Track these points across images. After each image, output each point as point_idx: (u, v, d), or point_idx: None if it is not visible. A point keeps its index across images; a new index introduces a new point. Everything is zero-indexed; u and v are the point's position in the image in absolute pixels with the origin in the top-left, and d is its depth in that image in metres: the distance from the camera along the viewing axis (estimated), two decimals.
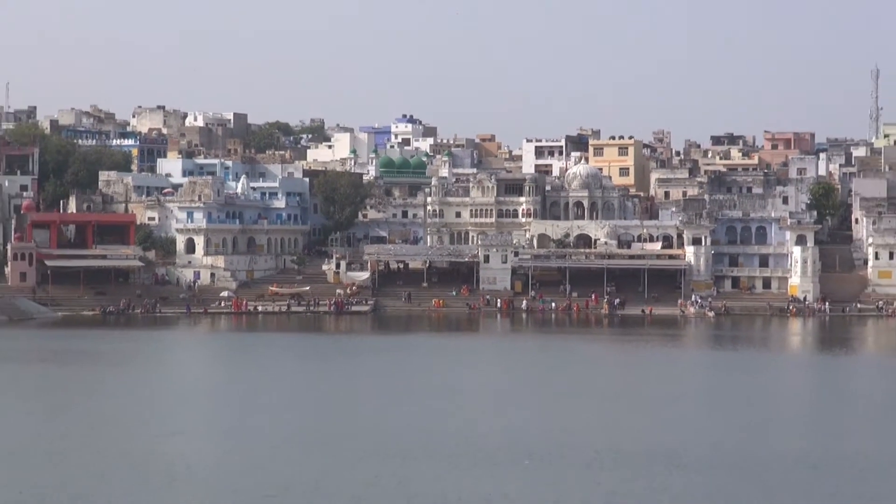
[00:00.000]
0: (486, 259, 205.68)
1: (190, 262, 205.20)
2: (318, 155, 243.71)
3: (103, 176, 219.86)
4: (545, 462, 75.38)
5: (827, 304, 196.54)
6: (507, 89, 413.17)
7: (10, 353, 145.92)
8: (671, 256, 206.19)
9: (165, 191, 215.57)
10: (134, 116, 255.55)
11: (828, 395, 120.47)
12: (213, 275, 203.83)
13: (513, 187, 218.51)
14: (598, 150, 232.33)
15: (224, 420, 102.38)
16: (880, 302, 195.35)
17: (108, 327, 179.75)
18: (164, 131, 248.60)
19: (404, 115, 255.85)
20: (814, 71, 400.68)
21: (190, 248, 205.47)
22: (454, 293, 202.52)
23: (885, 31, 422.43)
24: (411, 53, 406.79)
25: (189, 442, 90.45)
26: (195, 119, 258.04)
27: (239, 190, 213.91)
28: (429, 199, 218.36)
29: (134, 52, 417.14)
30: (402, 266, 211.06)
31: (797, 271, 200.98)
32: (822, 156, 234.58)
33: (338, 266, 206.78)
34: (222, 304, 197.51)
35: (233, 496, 66.41)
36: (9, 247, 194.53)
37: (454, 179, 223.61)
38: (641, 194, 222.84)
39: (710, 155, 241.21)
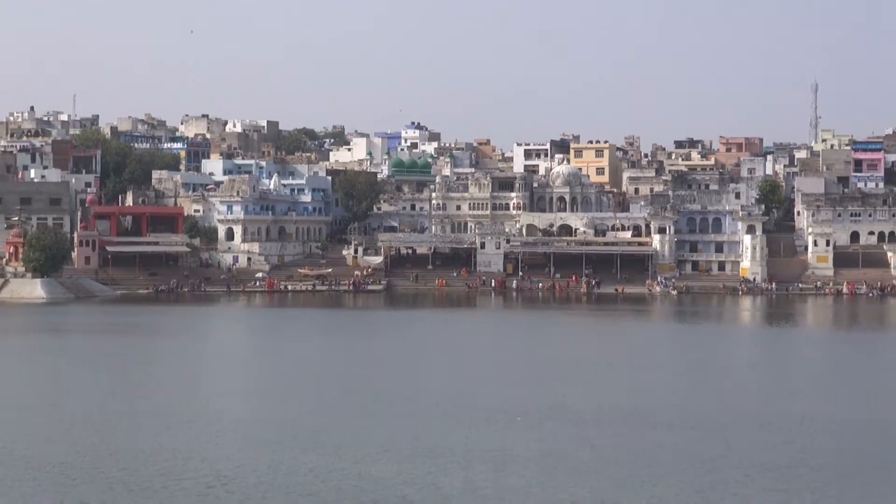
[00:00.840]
0: (483, 245, 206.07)
1: (229, 248, 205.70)
2: (339, 156, 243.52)
3: (156, 175, 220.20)
4: (535, 419, 75.74)
5: (773, 284, 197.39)
6: (500, 100, 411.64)
7: (77, 326, 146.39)
8: (640, 243, 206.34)
9: (209, 187, 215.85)
10: (182, 123, 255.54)
11: (774, 362, 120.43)
12: (249, 259, 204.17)
13: (505, 184, 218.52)
14: (578, 153, 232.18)
15: (261, 381, 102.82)
16: (818, 282, 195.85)
17: (159, 303, 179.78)
18: (208, 136, 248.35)
19: (413, 123, 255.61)
20: (762, 85, 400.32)
21: (229, 236, 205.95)
22: (455, 274, 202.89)
23: (823, 51, 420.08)
24: (419, 69, 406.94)
25: (232, 400, 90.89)
26: (234, 126, 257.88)
27: (271, 186, 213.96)
28: (433, 195, 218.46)
29: (182, 67, 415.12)
30: (410, 251, 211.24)
31: (747, 256, 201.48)
32: (769, 158, 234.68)
33: (356, 251, 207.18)
34: (257, 284, 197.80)
35: (271, 445, 66.84)
36: (75, 235, 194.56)
37: (455, 178, 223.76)
38: (615, 190, 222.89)
39: (673, 157, 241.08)
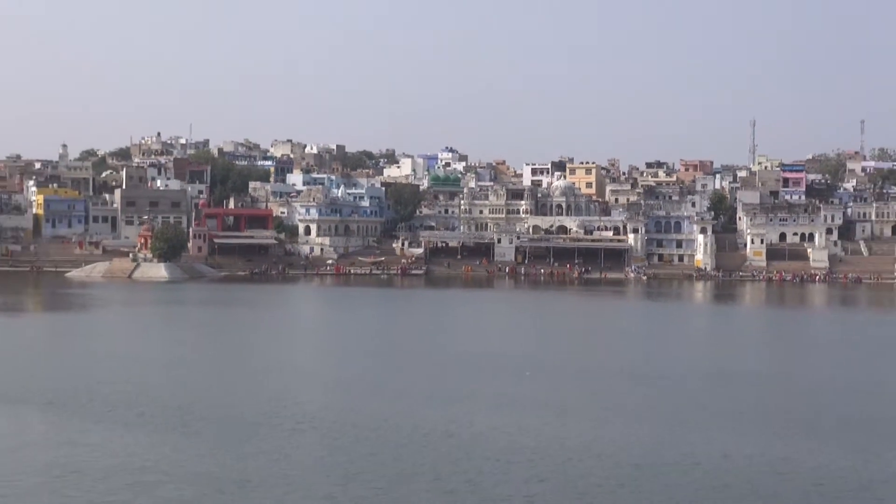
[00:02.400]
0: (499, 241, 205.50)
1: (307, 241, 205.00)
2: (391, 172, 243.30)
3: (252, 185, 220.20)
4: (540, 373, 75.59)
5: (720, 272, 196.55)
6: (513, 129, 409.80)
7: (191, 299, 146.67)
8: (619, 240, 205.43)
9: (292, 195, 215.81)
10: (272, 146, 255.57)
11: (720, 330, 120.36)
12: (321, 249, 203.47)
13: (516, 194, 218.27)
14: (572, 171, 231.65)
15: (332, 342, 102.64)
16: (754, 271, 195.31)
17: (253, 283, 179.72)
18: (291, 156, 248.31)
19: (447, 147, 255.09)
20: (714, 119, 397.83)
21: (307, 231, 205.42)
22: (478, 263, 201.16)
23: (761, 93, 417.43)
24: (452, 106, 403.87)
25: (311, 356, 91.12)
26: (311, 148, 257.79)
27: (339, 195, 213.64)
28: (462, 202, 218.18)
29: (271, 101, 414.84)
30: (444, 244, 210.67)
31: (700, 251, 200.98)
32: (718, 176, 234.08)
33: (402, 244, 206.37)
34: (327, 268, 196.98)
35: (342, 392, 66.84)
36: (190, 230, 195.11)
37: (478, 189, 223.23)
38: (600, 200, 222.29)
39: (644, 174, 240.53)
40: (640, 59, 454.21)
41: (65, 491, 40.36)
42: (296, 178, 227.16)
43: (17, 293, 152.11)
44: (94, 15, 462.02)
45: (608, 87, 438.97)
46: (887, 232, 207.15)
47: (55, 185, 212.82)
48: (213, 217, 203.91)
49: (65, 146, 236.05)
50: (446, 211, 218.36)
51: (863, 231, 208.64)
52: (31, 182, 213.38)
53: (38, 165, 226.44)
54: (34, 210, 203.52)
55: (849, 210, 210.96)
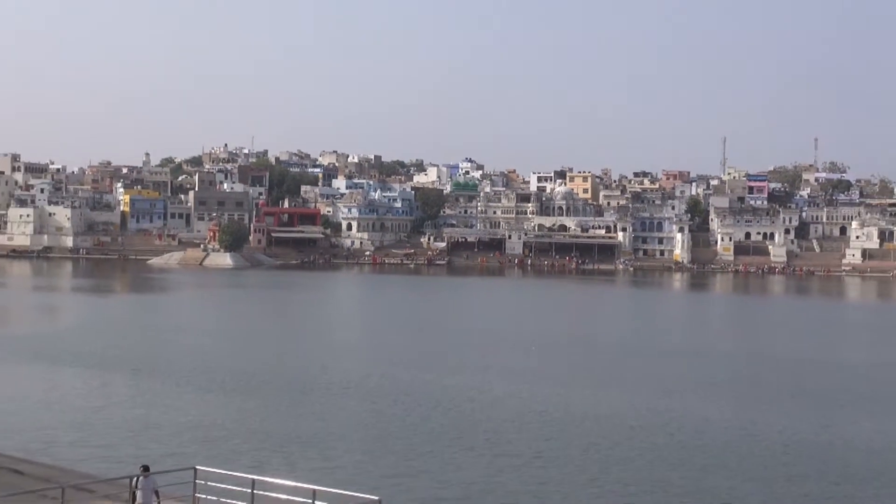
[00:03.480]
0: (509, 237, 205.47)
1: (348, 236, 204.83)
2: (419, 179, 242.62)
3: (303, 188, 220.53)
4: (545, 347, 75.37)
5: (694, 264, 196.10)
6: (523, 142, 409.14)
7: (251, 283, 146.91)
8: (610, 237, 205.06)
9: (336, 197, 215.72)
10: (320, 155, 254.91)
11: (695, 313, 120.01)
12: (361, 242, 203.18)
13: (524, 198, 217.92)
14: (572, 179, 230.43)
15: (369, 318, 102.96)
16: (723, 264, 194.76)
17: (303, 269, 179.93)
18: (336, 164, 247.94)
19: (466, 158, 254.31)
20: (691, 136, 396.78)
21: (349, 228, 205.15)
22: (492, 255, 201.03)
23: (730, 115, 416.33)
24: (472, 123, 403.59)
25: (352, 330, 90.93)
26: (353, 158, 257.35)
27: (376, 197, 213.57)
28: (479, 204, 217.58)
29: (321, 117, 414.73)
30: (463, 239, 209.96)
31: (678, 247, 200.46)
32: (694, 184, 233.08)
33: (429, 239, 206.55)
34: (366, 259, 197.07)
35: (380, 362, 66.57)
36: (251, 225, 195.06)
37: (493, 193, 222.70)
38: (594, 203, 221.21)
39: (632, 182, 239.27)
40: (631, 85, 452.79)
41: (143, 443, 40.06)
42: (340, 183, 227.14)
43: (107, 277, 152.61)
44: (176, 46, 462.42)
45: (603, 108, 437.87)
46: (836, 232, 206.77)
47: (139, 187, 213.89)
48: (271, 215, 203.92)
49: (147, 154, 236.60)
50: (465, 211, 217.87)
51: (815, 231, 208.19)
52: (119, 184, 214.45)
53: (125, 170, 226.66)
54: (122, 208, 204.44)
55: (804, 213, 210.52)
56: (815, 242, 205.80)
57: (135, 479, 21.31)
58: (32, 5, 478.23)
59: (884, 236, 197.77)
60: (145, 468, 21.42)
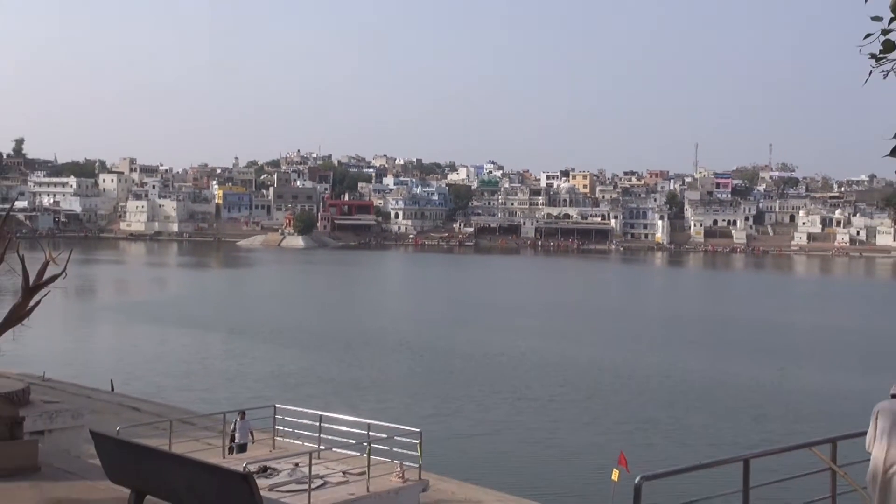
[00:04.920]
0: (524, 223, 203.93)
1: (396, 223, 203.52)
2: (452, 177, 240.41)
3: (360, 185, 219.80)
4: (548, 315, 75.01)
5: (672, 245, 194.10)
6: (535, 148, 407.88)
7: (319, 260, 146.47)
8: (604, 224, 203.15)
9: (386, 192, 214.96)
10: (373, 158, 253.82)
11: (673, 284, 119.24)
12: (405, 228, 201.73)
13: (536, 192, 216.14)
14: (574, 177, 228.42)
15: (412, 288, 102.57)
16: (696, 245, 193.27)
17: (360, 249, 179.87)
18: (386, 165, 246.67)
19: (490, 160, 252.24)
20: (670, 142, 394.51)
21: (396, 216, 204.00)
22: (510, 238, 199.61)
23: (701, 125, 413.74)
24: (495, 130, 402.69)
25: (399, 298, 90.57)
26: (399, 160, 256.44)
27: (417, 192, 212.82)
28: (499, 197, 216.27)
29: (373, 127, 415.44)
30: (487, 225, 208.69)
31: (659, 231, 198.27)
32: (672, 181, 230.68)
33: (459, 225, 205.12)
34: (409, 241, 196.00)
35: (423, 323, 66.30)
36: (319, 214, 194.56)
37: (511, 188, 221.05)
38: (592, 196, 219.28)
39: (622, 179, 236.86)
40: (622, 101, 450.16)
41: (234, 388, 40.13)
42: (389, 181, 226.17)
43: (204, 256, 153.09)
44: (260, 73, 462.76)
45: (599, 119, 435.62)
46: (786, 219, 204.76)
47: (230, 184, 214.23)
48: (334, 206, 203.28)
49: (237, 158, 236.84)
50: (489, 203, 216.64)
51: (769, 218, 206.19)
52: (214, 182, 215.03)
53: (218, 171, 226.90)
54: (216, 200, 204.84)
55: (760, 204, 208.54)
56: (769, 227, 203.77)
57: (234, 421, 21.24)
58: (153, 34, 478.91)
59: (825, 223, 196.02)
60: (242, 413, 21.38)
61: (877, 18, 4.22)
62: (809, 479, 8.45)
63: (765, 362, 50.75)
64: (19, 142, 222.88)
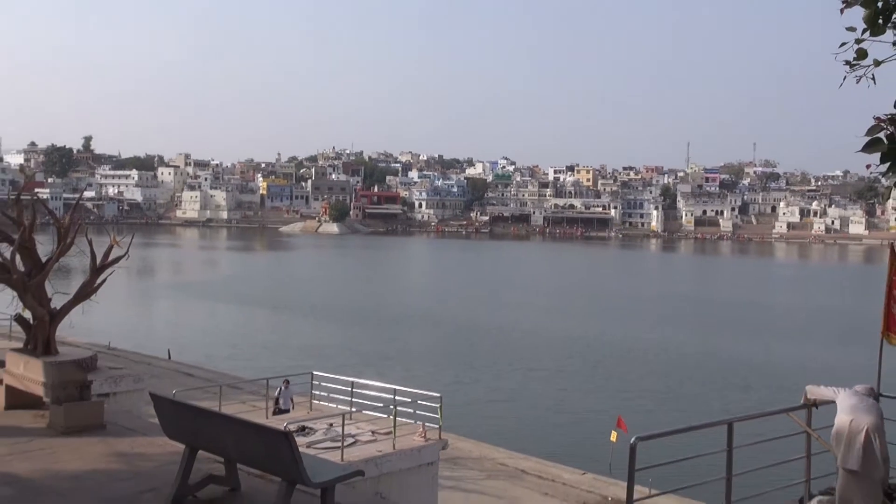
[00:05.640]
0: (534, 213, 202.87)
1: (419, 212, 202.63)
2: (470, 171, 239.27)
3: (388, 178, 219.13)
4: (555, 294, 74.77)
5: (666, 233, 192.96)
6: (543, 144, 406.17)
7: (352, 244, 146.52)
8: (605, 213, 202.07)
9: (411, 184, 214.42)
10: (400, 154, 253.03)
11: (665, 268, 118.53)
12: (428, 216, 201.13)
13: (544, 185, 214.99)
14: (578, 171, 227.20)
15: (434, 268, 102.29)
16: (687, 233, 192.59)
17: (387, 235, 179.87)
18: (411, 161, 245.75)
19: (504, 156, 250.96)
20: (664, 140, 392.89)
21: (419, 206, 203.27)
22: (521, 226, 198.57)
23: (692, 124, 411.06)
24: (509, 130, 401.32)
25: (423, 276, 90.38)
26: (423, 156, 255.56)
27: (439, 184, 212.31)
28: (512, 190, 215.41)
29: (400, 127, 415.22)
30: (501, 214, 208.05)
31: (654, 220, 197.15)
32: (666, 175, 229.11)
33: (476, 214, 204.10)
34: (431, 228, 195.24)
35: (446, 298, 66.30)
36: (352, 204, 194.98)
37: (522, 181, 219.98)
38: (594, 188, 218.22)
39: (621, 173, 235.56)
40: (621, 104, 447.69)
41: (276, 358, 40.15)
42: (413, 174, 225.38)
43: (250, 240, 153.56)
44: (302, 72, 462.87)
45: (601, 120, 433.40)
46: (768, 210, 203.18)
47: (273, 177, 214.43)
48: (365, 196, 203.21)
49: (279, 154, 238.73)
50: (502, 195, 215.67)
51: (753, 209, 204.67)
52: (259, 175, 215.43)
53: (263, 165, 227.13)
54: (260, 191, 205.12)
55: (745, 197, 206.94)
56: (753, 217, 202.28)
57: (278, 389, 21.32)
58: (206, 45, 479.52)
59: (803, 213, 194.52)
60: (286, 381, 21.41)
61: (851, 29, 4.25)
62: (787, 440, 8.45)
63: (750, 338, 50.47)
64: (88, 139, 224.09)
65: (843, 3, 4.20)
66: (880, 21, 4.09)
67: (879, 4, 4.08)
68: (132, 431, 9.90)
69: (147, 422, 10.30)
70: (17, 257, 10.58)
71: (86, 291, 10.70)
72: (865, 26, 4.11)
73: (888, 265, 8.85)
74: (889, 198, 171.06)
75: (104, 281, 10.89)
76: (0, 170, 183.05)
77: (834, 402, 7.87)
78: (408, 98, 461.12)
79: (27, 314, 10.76)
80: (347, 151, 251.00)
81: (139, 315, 56.23)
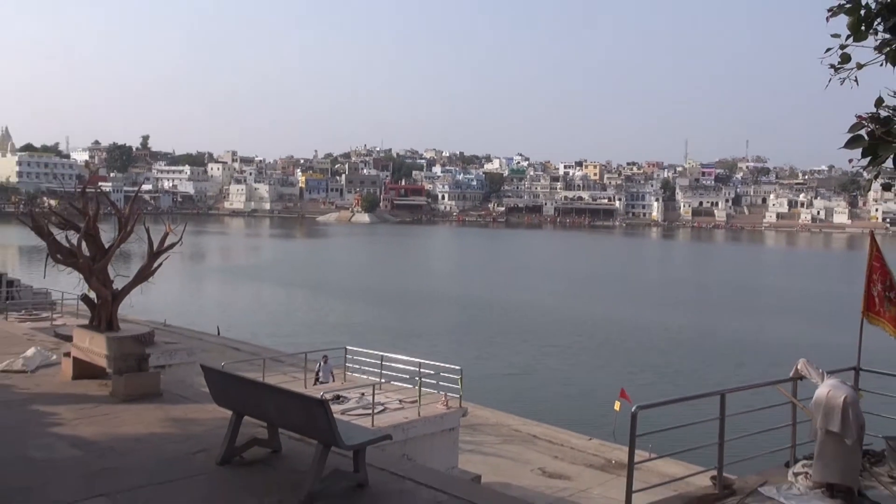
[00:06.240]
0: (545, 204, 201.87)
1: (442, 203, 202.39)
2: (488, 166, 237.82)
3: (414, 173, 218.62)
4: (565, 278, 74.47)
5: (666, 222, 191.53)
6: (555, 141, 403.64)
7: (382, 232, 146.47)
8: (610, 205, 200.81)
9: (434, 178, 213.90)
10: (424, 151, 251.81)
11: (665, 254, 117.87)
12: (450, 207, 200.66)
13: (555, 179, 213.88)
14: (586, 166, 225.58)
15: (456, 252, 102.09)
16: (685, 222, 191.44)
17: (413, 224, 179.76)
18: (434, 157, 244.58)
19: (519, 153, 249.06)
20: (665, 138, 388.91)
21: (442, 198, 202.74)
22: (534, 216, 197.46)
23: (690, 123, 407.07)
24: (524, 129, 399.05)
25: (446, 260, 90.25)
26: (445, 153, 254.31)
27: (460, 178, 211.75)
28: (526, 183, 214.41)
29: (426, 126, 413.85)
30: (516, 205, 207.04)
31: (655, 210, 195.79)
32: (666, 170, 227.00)
33: (493, 205, 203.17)
34: (453, 218, 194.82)
35: (467, 279, 66.26)
36: (381, 196, 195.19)
37: (535, 175, 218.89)
38: (601, 182, 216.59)
39: (625, 168, 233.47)
40: (626, 106, 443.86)
41: (314, 335, 40.30)
42: (437, 169, 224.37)
43: (290, 228, 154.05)
44: (337, 73, 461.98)
45: (607, 120, 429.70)
46: (759, 202, 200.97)
47: (311, 171, 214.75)
48: (393, 189, 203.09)
49: (316, 151, 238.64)
50: (517, 188, 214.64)
51: (746, 201, 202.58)
52: (298, 170, 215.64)
53: (301, 161, 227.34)
54: (300, 185, 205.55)
55: (738, 189, 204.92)
56: (745, 208, 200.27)
57: (318, 364, 21.45)
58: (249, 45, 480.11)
59: (791, 204, 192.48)
60: (325, 357, 21.54)
61: (836, 35, 4.23)
62: (775, 410, 8.43)
63: (742, 318, 50.10)
64: (145, 138, 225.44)
65: (828, 11, 4.19)
66: (863, 28, 4.08)
67: (862, 13, 4.08)
68: (185, 399, 9.98)
69: (198, 390, 10.39)
70: (83, 244, 10.68)
71: (144, 274, 10.78)
72: (849, 33, 4.10)
73: (868, 251, 8.85)
74: (870, 190, 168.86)
75: (160, 265, 10.97)
76: (68, 165, 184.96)
77: (816, 383, 7.90)
78: (432, 100, 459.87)
79: (92, 294, 10.86)
80: (377, 149, 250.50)
81: (191, 295, 56.63)
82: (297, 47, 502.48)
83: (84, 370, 10.88)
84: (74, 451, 7.80)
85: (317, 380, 20.87)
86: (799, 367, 8.30)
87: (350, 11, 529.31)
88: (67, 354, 11.28)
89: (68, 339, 13.10)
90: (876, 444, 8.55)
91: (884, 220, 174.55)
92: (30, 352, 12.36)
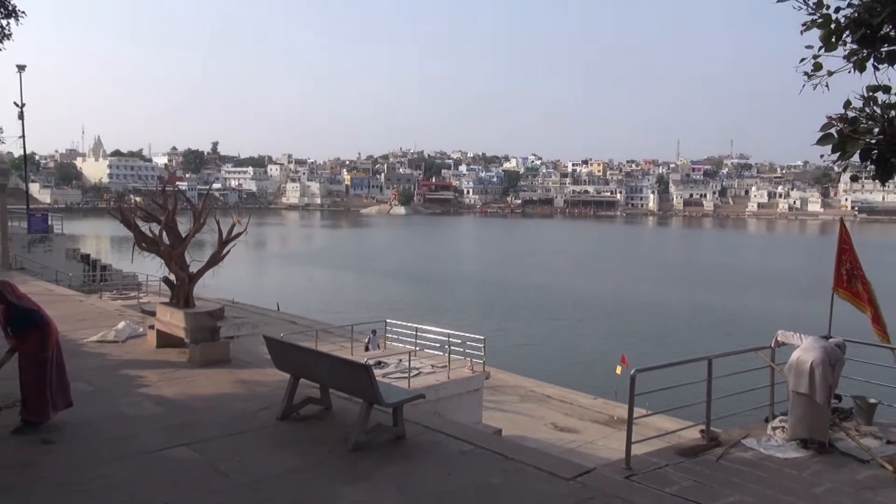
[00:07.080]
0: (556, 197, 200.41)
1: (467, 197, 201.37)
2: (507, 165, 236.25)
3: (443, 171, 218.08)
4: (575, 259, 73.96)
5: (661, 212, 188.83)
6: (565, 142, 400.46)
7: (416, 223, 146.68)
8: (613, 198, 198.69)
9: (461, 176, 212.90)
10: (452, 153, 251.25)
11: (661, 240, 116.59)
12: (473, 201, 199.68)
13: (564, 175, 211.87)
14: (591, 164, 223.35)
15: (478, 239, 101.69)
16: (677, 212, 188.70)
17: (443, 216, 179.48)
18: (461, 157, 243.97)
19: (533, 153, 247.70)
20: (659, 138, 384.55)
21: (467, 192, 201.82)
22: (546, 207, 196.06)
23: (682, 124, 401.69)
24: (538, 132, 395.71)
25: (473, 246, 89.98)
26: (469, 154, 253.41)
27: (483, 175, 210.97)
28: (539, 179, 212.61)
29: (454, 131, 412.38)
30: (531, 199, 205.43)
31: (651, 202, 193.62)
32: (661, 166, 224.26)
33: (511, 199, 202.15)
34: (477, 210, 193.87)
35: (488, 263, 66.05)
36: (415, 192, 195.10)
37: (547, 173, 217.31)
38: (604, 178, 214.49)
39: (625, 165, 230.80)
40: (625, 110, 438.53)
41: (359, 310, 40.36)
42: (462, 168, 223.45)
43: (338, 220, 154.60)
44: (378, 83, 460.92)
45: (610, 124, 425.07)
46: (743, 193, 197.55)
47: (355, 171, 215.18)
48: (425, 186, 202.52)
49: (359, 153, 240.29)
50: (532, 183, 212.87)
51: (731, 192, 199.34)
52: (344, 170, 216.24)
53: (347, 162, 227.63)
54: (346, 182, 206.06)
55: (724, 183, 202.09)
56: (730, 199, 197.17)
57: (368, 336, 21.62)
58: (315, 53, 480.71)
59: (770, 195, 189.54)
60: (374, 331, 21.70)
61: (809, 46, 4.21)
62: (755, 373, 8.40)
63: (732, 294, 49.45)
64: (215, 143, 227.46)
65: (802, 25, 4.17)
66: (833, 39, 4.06)
67: (832, 26, 4.06)
68: (250, 364, 10.11)
69: (261, 357, 10.50)
70: (164, 234, 10.83)
71: (215, 259, 10.91)
72: (821, 44, 4.08)
73: (838, 236, 8.77)
74: (840, 182, 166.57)
75: (228, 251, 11.09)
76: (150, 168, 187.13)
77: (797, 345, 7.85)
78: (458, 107, 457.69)
79: (172, 277, 11.01)
80: (412, 151, 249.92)
81: (255, 277, 57.10)
82: (343, 61, 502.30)
83: (166, 340, 11.06)
84: (158, 408, 7.95)
85: (367, 348, 21.08)
86: (779, 338, 8.27)
87: (395, 32, 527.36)
88: (152, 327, 11.47)
89: (152, 314, 13.32)
90: (845, 403, 8.51)
91: (852, 208, 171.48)
92: (120, 325, 12.59)
